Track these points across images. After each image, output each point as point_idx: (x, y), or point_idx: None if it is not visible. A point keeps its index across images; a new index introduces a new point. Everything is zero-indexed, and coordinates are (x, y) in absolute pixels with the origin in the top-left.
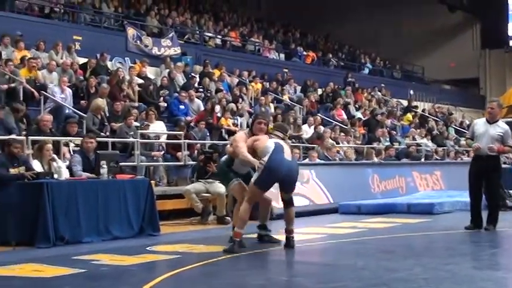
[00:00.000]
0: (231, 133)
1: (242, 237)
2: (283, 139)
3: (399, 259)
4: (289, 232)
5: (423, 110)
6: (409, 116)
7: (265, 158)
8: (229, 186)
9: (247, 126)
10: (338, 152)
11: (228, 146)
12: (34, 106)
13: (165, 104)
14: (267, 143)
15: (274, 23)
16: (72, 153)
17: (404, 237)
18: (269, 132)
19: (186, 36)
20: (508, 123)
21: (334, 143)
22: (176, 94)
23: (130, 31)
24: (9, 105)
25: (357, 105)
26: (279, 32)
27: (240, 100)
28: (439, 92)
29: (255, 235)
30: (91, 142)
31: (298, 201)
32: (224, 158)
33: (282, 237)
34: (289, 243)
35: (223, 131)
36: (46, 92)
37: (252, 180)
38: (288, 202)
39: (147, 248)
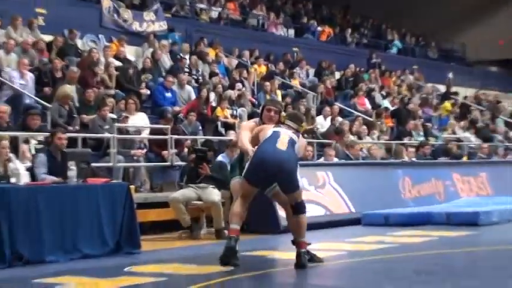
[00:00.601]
0: (228, 126)
1: (238, 235)
2: (296, 130)
3: (437, 283)
4: (298, 246)
5: (465, 98)
6: (448, 104)
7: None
8: (231, 182)
9: (249, 118)
10: (361, 149)
11: (234, 137)
12: None
13: (148, 92)
14: (268, 132)
15: None
16: (33, 152)
17: (442, 254)
18: (281, 122)
19: (174, 9)
20: None
21: (356, 138)
22: (161, 79)
23: (106, 2)
24: None
25: (383, 92)
26: (288, 3)
27: (240, 86)
28: (484, 76)
29: (256, 252)
30: (64, 139)
31: (312, 210)
32: (224, 154)
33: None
34: (300, 261)
35: (219, 124)
36: (2, 77)
37: (243, 173)
38: (295, 207)
39: (125, 269)
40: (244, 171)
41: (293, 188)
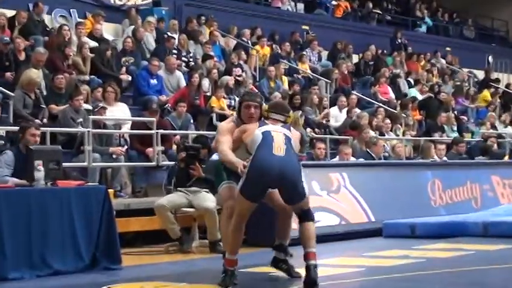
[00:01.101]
0: (225, 119)
1: (236, 266)
2: (284, 123)
3: None
4: (308, 257)
5: (507, 86)
6: (487, 94)
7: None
8: (218, 190)
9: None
10: (383, 147)
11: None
12: None
13: (130, 78)
14: (255, 132)
15: None
16: None
17: (479, 271)
18: (264, 117)
19: None
20: None
21: (378, 134)
22: (145, 63)
23: None
24: None
25: (410, 79)
26: None
27: (239, 71)
28: None
29: (258, 269)
30: (38, 135)
31: (324, 219)
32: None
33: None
34: (309, 275)
35: (214, 116)
36: None
37: (238, 187)
38: (302, 216)
39: None
40: (240, 186)
41: (299, 197)
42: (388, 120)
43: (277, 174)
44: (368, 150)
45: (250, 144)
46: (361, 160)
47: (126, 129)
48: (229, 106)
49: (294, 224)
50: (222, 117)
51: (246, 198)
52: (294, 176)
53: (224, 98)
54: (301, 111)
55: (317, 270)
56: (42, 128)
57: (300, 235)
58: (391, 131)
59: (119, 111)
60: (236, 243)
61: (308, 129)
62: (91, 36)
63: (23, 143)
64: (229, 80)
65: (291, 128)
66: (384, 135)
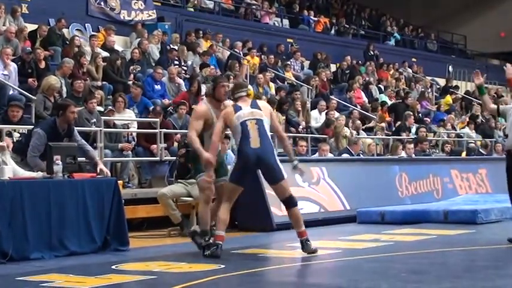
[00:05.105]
0: None
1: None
2: (248, 96)
3: (433, 281)
4: (301, 235)
5: (466, 92)
6: (449, 98)
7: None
8: (197, 180)
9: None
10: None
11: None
12: None
13: (139, 84)
14: (235, 124)
15: None
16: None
17: (439, 253)
18: (235, 100)
19: None
20: None
21: (355, 133)
22: (151, 70)
23: None
24: None
25: (381, 86)
26: None
27: (231, 79)
28: (485, 69)
29: (248, 250)
30: (76, 112)
31: (306, 208)
32: None
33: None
34: (305, 248)
35: None
36: None
37: (228, 177)
38: (287, 202)
39: (113, 267)
40: (231, 175)
41: (279, 177)
42: (359, 122)
43: (255, 163)
44: (348, 147)
45: (233, 133)
46: (346, 155)
47: (133, 128)
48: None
49: (281, 211)
50: None
51: (236, 184)
52: (269, 161)
53: None
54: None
55: (309, 243)
56: None
57: (290, 219)
58: (364, 131)
59: (126, 117)
60: (225, 220)
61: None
62: (103, 47)
63: (62, 119)
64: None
65: (258, 103)
66: (359, 135)
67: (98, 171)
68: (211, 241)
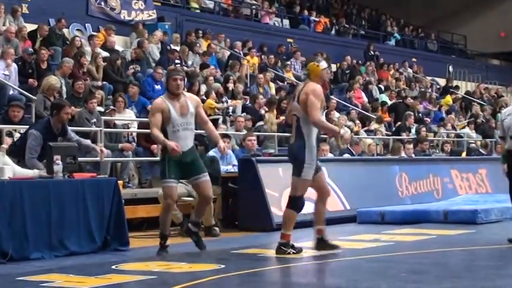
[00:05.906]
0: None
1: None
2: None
3: (433, 282)
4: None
5: (466, 92)
6: (449, 99)
7: None
8: (162, 185)
9: (243, 111)
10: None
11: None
12: None
13: (136, 83)
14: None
15: None
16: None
17: (439, 253)
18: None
19: None
20: None
21: (353, 134)
22: (151, 70)
23: None
24: None
25: (381, 86)
26: None
27: (231, 78)
28: (485, 69)
29: (248, 250)
30: (70, 113)
31: (307, 207)
32: (215, 149)
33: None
34: (276, 250)
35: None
36: None
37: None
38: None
39: (113, 267)
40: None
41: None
42: (358, 122)
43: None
44: (350, 148)
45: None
46: (346, 156)
47: (133, 128)
48: (219, 109)
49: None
50: (215, 119)
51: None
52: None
53: (216, 102)
54: None
55: (279, 245)
56: None
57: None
58: (364, 130)
59: (127, 117)
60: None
61: None
62: (103, 47)
63: (56, 119)
64: (219, 86)
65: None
66: (359, 135)
67: (99, 152)
68: (167, 244)
